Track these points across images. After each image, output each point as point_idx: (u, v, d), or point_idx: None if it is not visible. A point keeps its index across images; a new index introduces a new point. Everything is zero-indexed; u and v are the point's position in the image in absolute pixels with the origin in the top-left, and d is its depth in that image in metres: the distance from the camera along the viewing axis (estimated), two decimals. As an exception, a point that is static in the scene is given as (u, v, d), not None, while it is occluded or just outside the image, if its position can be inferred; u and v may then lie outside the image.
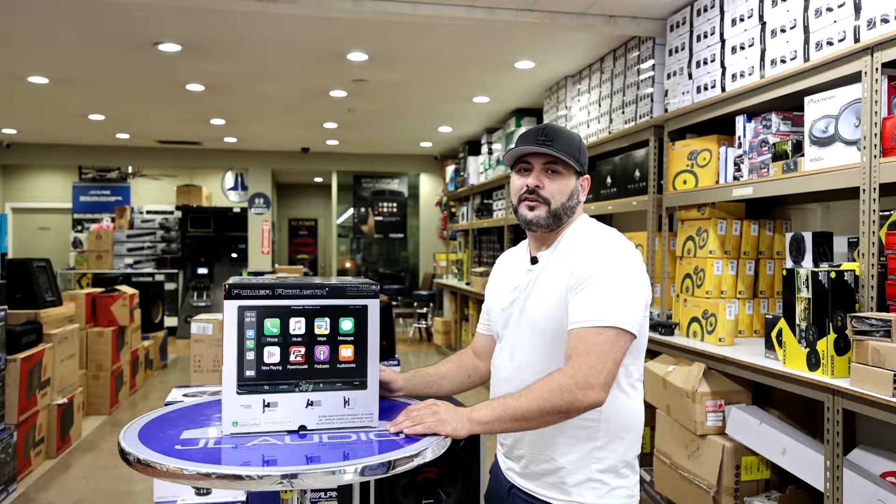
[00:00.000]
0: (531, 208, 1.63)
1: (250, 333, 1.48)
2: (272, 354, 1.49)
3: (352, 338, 1.53)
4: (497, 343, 1.76)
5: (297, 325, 1.50)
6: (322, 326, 1.52)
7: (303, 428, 1.50)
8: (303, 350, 1.50)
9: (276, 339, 1.49)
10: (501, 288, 1.76)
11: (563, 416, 1.45)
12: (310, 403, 1.50)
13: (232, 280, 1.53)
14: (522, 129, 6.14)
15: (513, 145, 1.68)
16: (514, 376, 1.62)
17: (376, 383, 1.55)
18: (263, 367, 1.48)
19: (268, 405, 1.48)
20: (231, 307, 1.47)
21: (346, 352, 1.53)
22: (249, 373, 1.47)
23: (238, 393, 1.46)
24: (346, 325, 1.53)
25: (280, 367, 1.49)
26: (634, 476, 1.62)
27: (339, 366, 1.52)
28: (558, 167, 1.62)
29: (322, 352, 1.52)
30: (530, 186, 1.63)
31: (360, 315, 1.54)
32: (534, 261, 1.68)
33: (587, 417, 1.53)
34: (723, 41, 3.33)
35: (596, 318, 1.47)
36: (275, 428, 1.48)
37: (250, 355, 1.48)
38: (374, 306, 1.55)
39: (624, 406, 1.58)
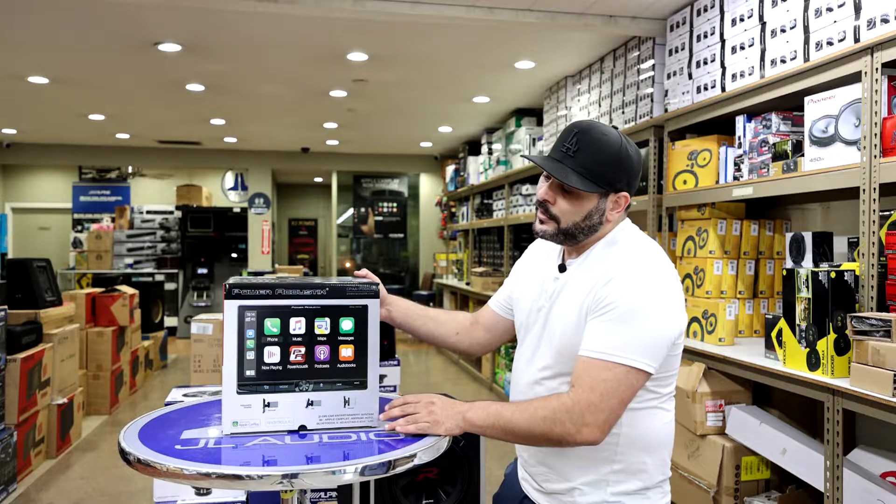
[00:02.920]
0: (541, 221, 1.54)
1: (250, 333, 1.47)
2: (272, 354, 1.49)
3: (352, 338, 1.53)
4: (518, 343, 1.69)
5: (298, 325, 1.50)
6: (322, 326, 1.51)
7: (303, 428, 1.50)
8: (303, 350, 1.50)
9: (276, 339, 1.49)
10: (530, 284, 1.66)
11: (553, 444, 1.41)
12: (310, 403, 1.50)
13: (232, 280, 1.52)
14: (522, 130, 6.15)
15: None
16: (529, 389, 1.58)
17: (376, 383, 1.55)
18: (264, 367, 1.48)
19: (268, 405, 1.48)
20: (231, 307, 1.46)
21: (347, 352, 1.53)
22: (249, 372, 1.47)
23: (238, 393, 1.46)
24: (347, 324, 1.53)
25: (280, 367, 1.49)
26: (662, 499, 1.52)
27: (339, 366, 1.52)
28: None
29: (322, 352, 1.51)
30: (540, 199, 1.54)
31: (360, 315, 1.54)
32: (562, 268, 1.59)
33: (606, 440, 1.43)
34: (723, 41, 3.33)
35: (608, 351, 1.38)
36: (275, 428, 1.48)
37: (250, 355, 1.47)
38: (374, 306, 1.55)
39: (646, 427, 1.48)
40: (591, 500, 1.49)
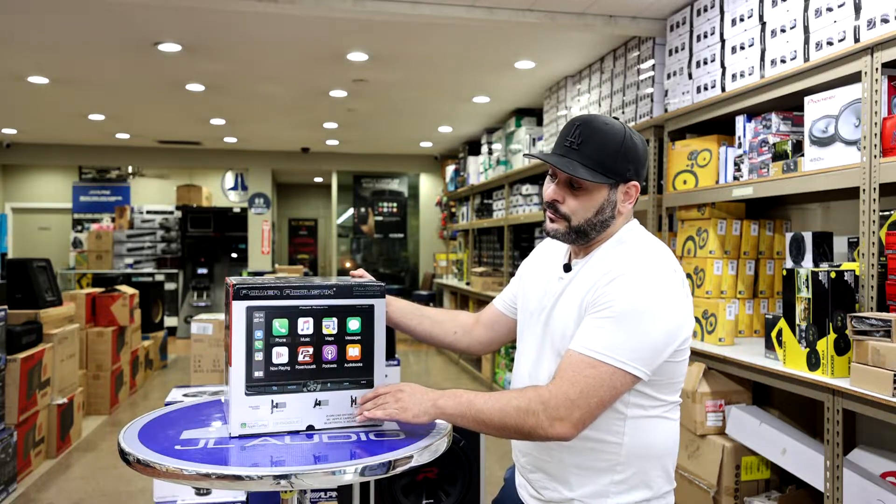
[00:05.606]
0: (551, 220, 1.50)
1: (259, 334, 1.47)
2: (280, 355, 1.49)
3: (359, 337, 1.54)
4: (518, 339, 1.67)
5: (306, 326, 1.50)
6: (330, 326, 1.52)
7: (311, 428, 1.50)
8: (311, 350, 1.50)
9: (284, 340, 1.49)
10: (535, 284, 1.63)
11: (524, 436, 1.37)
12: (317, 403, 1.51)
13: (235, 279, 1.51)
14: (522, 130, 6.15)
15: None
16: (530, 382, 1.57)
17: (383, 382, 1.56)
18: (272, 368, 1.48)
19: (276, 406, 1.48)
20: (240, 308, 1.46)
21: (354, 351, 1.54)
22: (258, 374, 1.47)
23: (246, 394, 1.46)
24: (354, 324, 1.54)
25: (288, 368, 1.49)
26: None
27: (346, 365, 1.53)
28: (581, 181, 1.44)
29: (330, 351, 1.52)
30: (549, 199, 1.49)
31: (366, 314, 1.54)
32: (567, 268, 1.55)
33: (607, 450, 1.41)
34: (723, 41, 3.33)
35: (596, 349, 1.34)
36: (283, 428, 1.48)
37: (259, 356, 1.47)
38: (380, 306, 1.56)
39: (650, 436, 1.44)
40: None
